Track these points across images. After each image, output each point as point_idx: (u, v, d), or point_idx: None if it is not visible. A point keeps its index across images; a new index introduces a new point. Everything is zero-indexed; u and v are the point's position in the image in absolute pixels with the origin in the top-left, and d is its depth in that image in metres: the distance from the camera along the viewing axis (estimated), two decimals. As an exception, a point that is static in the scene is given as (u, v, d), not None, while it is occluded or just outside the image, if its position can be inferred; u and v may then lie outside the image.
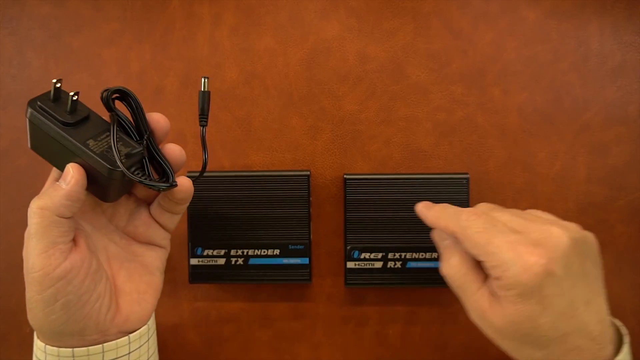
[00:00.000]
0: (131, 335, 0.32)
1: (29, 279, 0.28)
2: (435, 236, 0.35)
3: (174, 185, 0.31)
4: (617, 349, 0.28)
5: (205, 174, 0.41)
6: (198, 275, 0.42)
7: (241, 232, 0.41)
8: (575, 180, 0.43)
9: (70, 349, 0.30)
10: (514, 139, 0.43)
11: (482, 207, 0.33)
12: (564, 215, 0.43)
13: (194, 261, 0.42)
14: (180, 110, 0.44)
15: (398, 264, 0.41)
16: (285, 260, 0.41)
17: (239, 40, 0.43)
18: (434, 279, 0.41)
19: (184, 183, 0.32)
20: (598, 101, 0.42)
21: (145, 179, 0.30)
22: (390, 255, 0.41)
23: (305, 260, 0.41)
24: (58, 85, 0.29)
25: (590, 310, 0.28)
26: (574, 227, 0.29)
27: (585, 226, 0.43)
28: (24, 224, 0.43)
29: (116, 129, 0.30)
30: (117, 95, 0.32)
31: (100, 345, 0.30)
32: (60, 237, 0.28)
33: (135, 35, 0.43)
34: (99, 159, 0.29)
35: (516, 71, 0.43)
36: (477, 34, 0.43)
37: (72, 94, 0.29)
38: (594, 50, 0.42)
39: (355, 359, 0.44)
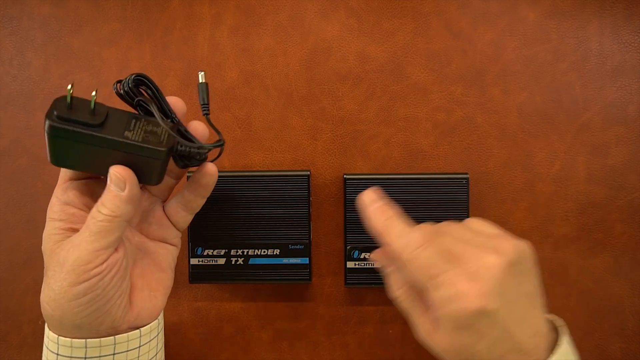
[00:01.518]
0: (142, 329, 0.32)
1: (66, 268, 0.29)
2: (379, 258, 0.35)
3: (222, 142, 0.33)
4: (554, 345, 0.29)
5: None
6: (198, 275, 0.42)
7: (241, 232, 0.41)
8: (575, 180, 0.43)
9: (83, 340, 0.30)
10: (513, 139, 0.43)
11: (424, 230, 0.31)
12: (564, 215, 0.43)
13: (194, 261, 0.42)
14: (180, 110, 0.44)
15: (398, 264, 0.41)
16: (285, 260, 0.41)
17: (239, 40, 0.43)
18: (433, 278, 0.41)
19: (210, 167, 0.34)
20: (598, 101, 0.42)
21: (195, 144, 0.31)
22: (390, 255, 0.41)
23: (305, 260, 0.41)
24: (72, 91, 0.29)
25: (524, 327, 0.29)
26: (508, 247, 0.29)
27: (585, 226, 0.43)
28: (24, 224, 0.44)
29: (156, 109, 0.30)
30: (135, 83, 0.32)
31: (112, 337, 0.31)
32: (116, 242, 0.30)
33: (135, 35, 0.43)
34: (148, 146, 0.29)
35: (516, 71, 0.43)
36: (477, 34, 0.43)
37: (93, 93, 0.29)
38: (594, 50, 0.42)
39: (355, 359, 0.44)
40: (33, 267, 0.44)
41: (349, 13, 0.43)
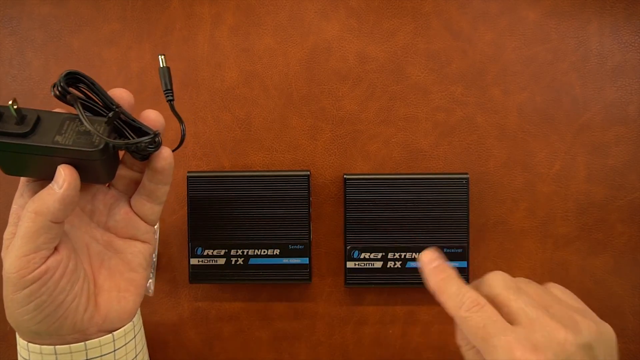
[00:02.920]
0: (115, 333, 0.32)
1: (5, 278, 0.28)
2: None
3: (157, 133, 0.30)
4: None
5: (205, 174, 0.41)
6: (198, 275, 0.42)
7: (241, 232, 0.41)
8: (575, 180, 0.43)
9: (52, 347, 0.30)
10: (513, 139, 0.43)
11: (495, 285, 0.30)
12: (564, 215, 0.43)
13: (194, 261, 0.42)
14: (180, 110, 0.44)
15: (398, 264, 0.41)
16: (285, 260, 0.41)
17: (239, 40, 0.43)
18: (433, 278, 0.41)
19: (163, 150, 0.31)
20: (598, 101, 0.42)
21: (129, 140, 0.29)
22: (390, 255, 0.41)
23: (305, 260, 0.41)
24: None
25: None
26: (588, 328, 0.27)
27: (585, 226, 0.43)
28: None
29: (81, 108, 0.28)
30: (69, 82, 0.30)
31: (83, 343, 0.30)
32: (45, 244, 0.28)
33: (135, 35, 0.43)
34: (79, 148, 0.28)
35: (516, 71, 0.43)
36: (477, 34, 0.43)
37: (10, 102, 0.27)
38: (594, 50, 0.42)
39: (355, 359, 0.44)
40: (33, 267, 0.44)
41: (349, 13, 0.43)
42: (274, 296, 0.44)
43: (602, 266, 0.43)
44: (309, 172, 0.41)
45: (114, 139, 0.29)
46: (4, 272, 0.28)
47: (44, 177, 0.30)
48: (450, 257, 0.41)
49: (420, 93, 0.43)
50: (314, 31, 0.43)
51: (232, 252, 0.41)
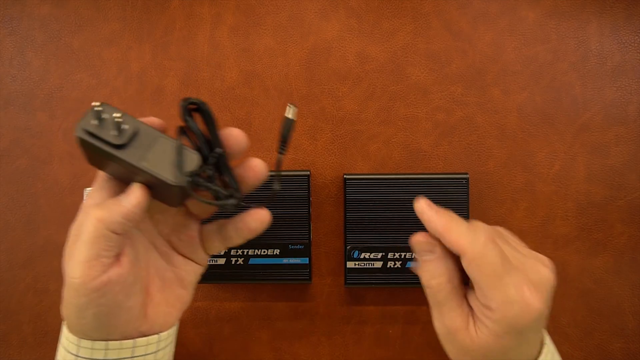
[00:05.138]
0: (162, 334, 0.32)
1: (67, 281, 0.28)
2: (420, 244, 0.32)
3: (241, 199, 0.30)
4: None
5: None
6: (198, 275, 0.42)
7: (241, 232, 0.41)
8: (575, 180, 0.43)
9: (104, 342, 0.30)
10: (513, 139, 0.43)
11: (486, 229, 0.31)
12: (564, 215, 0.43)
13: (194, 261, 0.42)
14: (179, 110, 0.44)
15: (398, 264, 0.41)
16: (285, 260, 0.41)
17: (239, 40, 0.43)
18: (433, 278, 0.41)
19: (259, 211, 0.31)
20: (597, 101, 0.43)
21: (212, 202, 0.29)
22: (390, 255, 0.41)
23: (305, 260, 0.41)
24: (98, 108, 0.28)
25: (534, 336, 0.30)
26: (548, 260, 0.31)
27: (585, 226, 0.43)
28: (24, 224, 0.44)
29: (180, 142, 0.29)
30: (193, 106, 0.30)
31: (133, 340, 0.30)
32: (105, 251, 0.28)
33: (135, 35, 0.43)
34: (162, 177, 0.28)
35: (516, 71, 0.43)
36: (477, 34, 0.43)
37: (115, 115, 0.28)
38: (594, 50, 0.42)
39: (355, 359, 0.44)
40: (33, 267, 0.44)
41: (349, 13, 0.43)
42: (274, 296, 0.44)
43: (602, 266, 0.43)
44: (309, 172, 0.41)
45: (200, 183, 0.29)
46: (66, 275, 0.28)
47: (121, 180, 0.30)
48: (450, 257, 0.41)
49: (420, 93, 0.43)
50: (314, 31, 0.43)
51: (232, 252, 0.41)
